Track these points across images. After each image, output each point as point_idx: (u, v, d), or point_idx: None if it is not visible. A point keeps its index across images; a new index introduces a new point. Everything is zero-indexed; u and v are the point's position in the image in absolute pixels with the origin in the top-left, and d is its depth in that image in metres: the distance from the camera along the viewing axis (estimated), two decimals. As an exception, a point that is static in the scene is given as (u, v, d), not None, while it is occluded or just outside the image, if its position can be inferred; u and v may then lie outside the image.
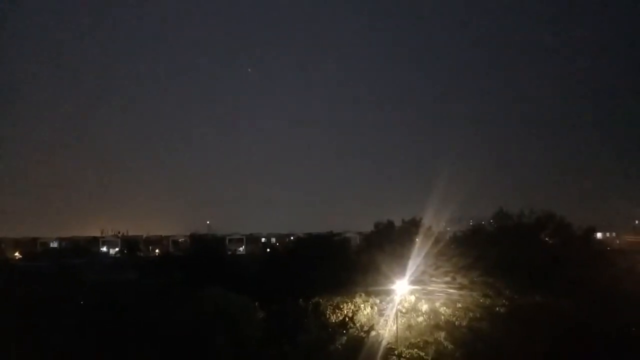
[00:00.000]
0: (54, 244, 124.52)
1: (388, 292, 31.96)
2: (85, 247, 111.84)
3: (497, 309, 30.97)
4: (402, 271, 31.71)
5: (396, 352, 29.12)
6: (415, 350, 29.17)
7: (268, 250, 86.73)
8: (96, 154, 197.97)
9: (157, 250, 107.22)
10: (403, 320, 31.71)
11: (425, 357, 28.80)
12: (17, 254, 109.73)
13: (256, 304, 32.54)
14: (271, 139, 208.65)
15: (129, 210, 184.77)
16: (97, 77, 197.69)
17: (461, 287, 31.63)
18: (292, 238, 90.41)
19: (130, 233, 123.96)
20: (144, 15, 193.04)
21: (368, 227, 51.21)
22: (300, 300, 33.22)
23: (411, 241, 34.46)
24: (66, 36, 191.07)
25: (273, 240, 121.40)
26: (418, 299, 32.83)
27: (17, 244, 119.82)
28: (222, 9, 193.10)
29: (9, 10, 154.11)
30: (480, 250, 34.26)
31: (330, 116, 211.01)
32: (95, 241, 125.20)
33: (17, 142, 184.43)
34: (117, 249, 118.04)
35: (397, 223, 44.19)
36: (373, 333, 31.06)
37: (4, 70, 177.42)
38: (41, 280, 40.57)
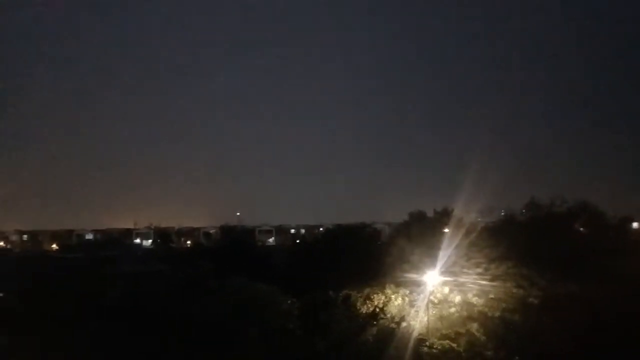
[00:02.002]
0: (89, 236, 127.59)
1: (419, 283, 31.70)
2: (119, 239, 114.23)
3: (530, 299, 30.44)
4: (433, 262, 31.39)
5: (427, 343, 28.87)
6: (447, 341, 28.87)
7: (297, 241, 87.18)
8: (129, 148, 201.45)
9: (188, 242, 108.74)
10: (434, 312, 31.39)
11: (457, 348, 28.51)
12: (54, 245, 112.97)
13: (286, 295, 32.71)
14: (301, 130, 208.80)
15: (161, 202, 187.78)
16: (130, 69, 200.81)
17: (493, 278, 31.15)
18: (321, 229, 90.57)
19: (163, 225, 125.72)
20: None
21: (398, 218, 50.98)
22: (331, 291, 33.25)
23: (442, 232, 34.10)
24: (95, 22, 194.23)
25: (302, 231, 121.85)
26: (450, 290, 32.49)
27: (54, 236, 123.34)
28: None
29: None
30: (512, 241, 33.71)
31: (360, 106, 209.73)
32: (129, 233, 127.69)
33: (53, 137, 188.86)
34: (150, 241, 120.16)
35: (429, 214, 43.87)
36: (404, 324, 30.87)
37: (35, 64, 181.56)
38: (77, 271, 41.68)
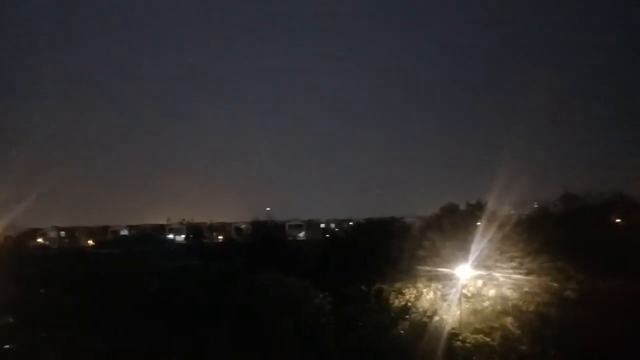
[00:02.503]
0: (124, 232, 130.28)
1: (451, 277, 31.46)
2: (152, 235, 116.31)
3: (567, 293, 29.87)
4: (465, 256, 31.09)
5: (460, 337, 28.65)
6: (481, 335, 28.59)
7: (327, 236, 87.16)
8: (162, 146, 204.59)
9: (220, 237, 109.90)
10: (467, 306, 31.12)
11: (491, 342, 28.21)
12: (90, 241, 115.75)
13: (318, 289, 32.85)
14: (331, 125, 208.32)
15: (193, 198, 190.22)
16: (158, 68, 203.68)
17: (529, 272, 30.66)
18: (351, 223, 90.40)
19: (195, 220, 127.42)
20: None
21: (429, 212, 50.55)
22: (363, 286, 33.25)
23: (475, 225, 33.69)
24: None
25: (332, 225, 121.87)
26: (484, 284, 32.14)
27: (90, 232, 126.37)
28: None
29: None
30: (547, 234, 33.11)
31: (389, 99, 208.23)
32: (162, 229, 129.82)
33: (88, 136, 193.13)
34: (182, 236, 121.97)
35: (460, 207, 43.37)
36: (436, 318, 30.69)
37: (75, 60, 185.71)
38: (112, 267, 42.64)
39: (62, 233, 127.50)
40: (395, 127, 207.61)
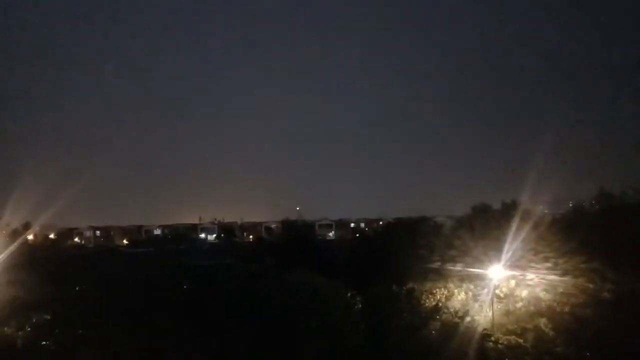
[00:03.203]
0: (157, 231, 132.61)
1: (483, 278, 31.01)
2: (185, 234, 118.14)
3: (603, 294, 29.08)
4: (497, 256, 30.60)
5: (492, 338, 28.24)
6: (513, 336, 28.12)
7: (357, 235, 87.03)
8: (193, 148, 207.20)
9: (251, 236, 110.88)
10: (500, 306, 30.64)
11: (523, 344, 27.71)
12: (124, 241, 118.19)
13: (348, 289, 32.77)
14: (361, 124, 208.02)
15: (224, 198, 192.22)
16: (192, 69, 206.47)
17: (564, 273, 29.96)
18: (381, 223, 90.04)
19: (226, 220, 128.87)
20: None
21: (460, 211, 49.89)
22: (394, 285, 33.05)
23: (507, 225, 33.10)
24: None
25: (362, 225, 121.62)
26: (517, 285, 31.58)
27: (125, 231, 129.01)
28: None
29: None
30: (583, 234, 32.28)
31: (421, 97, 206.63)
32: (194, 228, 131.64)
33: (123, 138, 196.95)
34: (214, 235, 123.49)
35: (492, 206, 42.65)
36: (468, 319, 30.30)
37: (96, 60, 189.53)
38: (146, 265, 43.43)
39: (98, 232, 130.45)
40: (426, 125, 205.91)
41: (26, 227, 36.79)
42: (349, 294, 32.35)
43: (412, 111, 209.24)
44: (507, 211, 37.44)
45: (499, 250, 30.89)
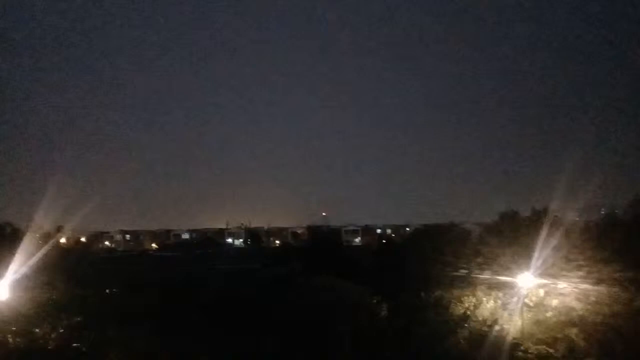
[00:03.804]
0: (185, 236, 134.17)
1: (512, 286, 30.49)
2: (212, 238, 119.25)
3: (638, 303, 28.25)
4: (527, 264, 30.05)
5: (522, 347, 27.77)
6: (544, 346, 27.59)
7: (383, 241, 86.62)
8: (221, 152, 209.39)
9: (277, 241, 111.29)
10: (529, 315, 30.07)
11: (554, 354, 27.15)
12: (153, 244, 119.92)
13: (374, 295, 32.61)
14: (387, 130, 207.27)
15: (251, 203, 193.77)
16: (218, 70, 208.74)
17: (597, 282, 29.20)
18: (407, 229, 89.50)
19: (253, 225, 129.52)
20: None
21: (488, 218, 49.18)
22: (422, 293, 32.77)
23: (537, 232, 32.48)
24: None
25: (389, 231, 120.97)
26: (547, 294, 30.94)
27: (154, 235, 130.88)
28: None
29: None
30: (617, 242, 31.45)
31: (449, 103, 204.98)
32: (222, 232, 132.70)
33: (152, 143, 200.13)
34: (241, 240, 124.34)
35: (521, 213, 41.88)
36: (497, 327, 29.85)
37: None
38: (174, 269, 43.99)
39: (127, 236, 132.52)
40: (454, 131, 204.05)
41: (58, 230, 37.48)
42: (375, 300, 32.19)
43: (440, 117, 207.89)
44: (537, 218, 36.73)
45: (528, 258, 30.35)
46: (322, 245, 51.42)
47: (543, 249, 30.45)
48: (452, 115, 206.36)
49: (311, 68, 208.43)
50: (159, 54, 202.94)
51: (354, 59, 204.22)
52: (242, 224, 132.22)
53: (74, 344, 26.71)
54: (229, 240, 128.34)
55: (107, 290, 33.00)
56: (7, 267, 26.25)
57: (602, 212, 46.02)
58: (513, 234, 34.27)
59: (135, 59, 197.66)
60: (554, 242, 30.51)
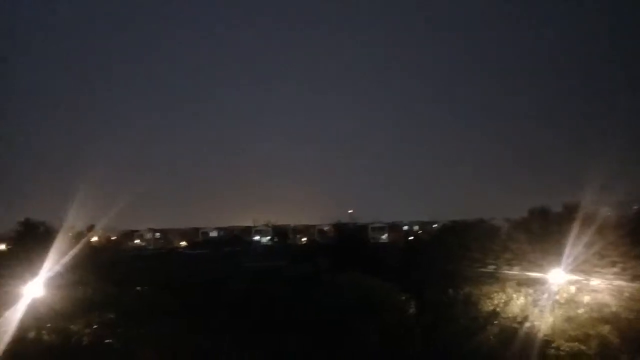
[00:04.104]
0: (213, 233, 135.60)
1: (543, 282, 30.04)
2: (239, 236, 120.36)
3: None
4: (558, 260, 29.59)
5: (554, 344, 27.38)
6: (576, 343, 27.15)
7: (410, 238, 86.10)
8: (249, 150, 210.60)
9: (304, 239, 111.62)
10: (560, 312, 29.59)
11: (587, 351, 26.70)
12: (182, 242, 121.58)
13: (402, 292, 32.49)
14: (413, 125, 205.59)
15: (277, 200, 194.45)
16: (246, 70, 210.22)
17: (632, 278, 28.56)
18: (435, 226, 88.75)
19: (279, 223, 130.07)
20: None
21: (518, 214, 48.52)
22: (450, 289, 32.54)
23: (569, 228, 31.91)
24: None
25: (415, 228, 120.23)
26: (578, 290, 30.41)
27: (183, 233, 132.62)
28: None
29: None
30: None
31: (476, 98, 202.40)
32: (249, 230, 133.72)
33: (181, 143, 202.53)
34: (267, 238, 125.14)
35: (551, 209, 41.19)
36: (527, 324, 29.44)
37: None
38: (203, 267, 44.55)
39: (157, 234, 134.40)
40: (481, 124, 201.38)
41: (90, 229, 38.32)
42: (403, 297, 32.06)
43: (465, 110, 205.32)
44: (569, 213, 36.07)
45: (559, 254, 29.88)
46: (348, 242, 51.37)
47: (575, 245, 29.95)
48: (480, 110, 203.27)
49: (339, 65, 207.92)
50: (193, 49, 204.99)
51: (382, 55, 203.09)
52: (268, 221, 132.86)
53: (107, 340, 27.31)
54: (256, 237, 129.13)
55: (138, 288, 33.58)
56: (41, 265, 26.98)
57: (635, 207, 44.99)
58: (543, 230, 33.77)
59: (165, 55, 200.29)
60: (586, 238, 29.98)
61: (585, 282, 29.98)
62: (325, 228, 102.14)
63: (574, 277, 29.86)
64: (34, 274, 26.53)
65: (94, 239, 41.17)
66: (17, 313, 25.15)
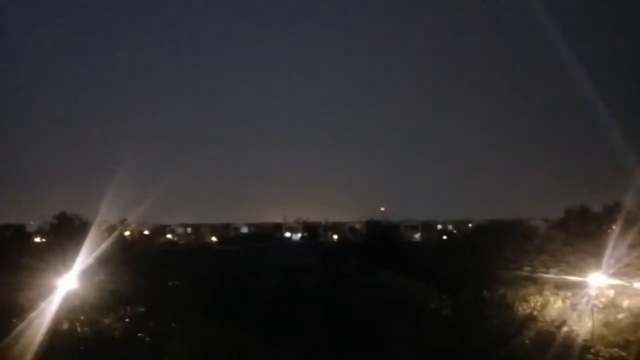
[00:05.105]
0: (244, 229, 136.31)
1: (582, 286, 29.03)
2: (270, 233, 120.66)
3: None
4: (598, 263, 28.54)
5: (593, 350, 26.46)
6: (616, 349, 26.23)
7: (444, 237, 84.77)
8: (279, 149, 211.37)
9: (335, 236, 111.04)
10: (600, 317, 28.57)
11: (627, 357, 25.74)
12: (213, 238, 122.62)
13: (435, 291, 31.91)
14: (447, 124, 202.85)
15: (309, 197, 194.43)
16: (271, 68, 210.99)
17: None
18: (469, 225, 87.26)
19: (310, 220, 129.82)
20: None
21: (556, 214, 47.25)
22: (485, 291, 31.78)
23: (609, 229, 30.81)
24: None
25: (449, 227, 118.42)
26: (618, 294, 29.31)
27: (214, 229, 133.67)
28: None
29: None
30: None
31: (513, 93, 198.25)
32: (279, 227, 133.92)
33: (209, 141, 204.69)
34: (298, 235, 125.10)
35: (593, 209, 39.93)
36: (565, 329, 28.54)
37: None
38: (234, 263, 44.59)
39: (188, 229, 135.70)
40: (517, 122, 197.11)
41: (122, 223, 38.84)
42: (437, 297, 31.48)
43: (503, 109, 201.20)
44: (609, 214, 34.84)
45: (599, 256, 28.85)
46: (380, 240, 50.80)
47: (616, 247, 28.86)
48: (517, 107, 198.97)
49: (371, 62, 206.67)
50: (235, 48, 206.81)
51: (417, 54, 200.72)
52: (299, 218, 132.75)
53: (138, 334, 27.51)
54: (287, 234, 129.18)
55: (170, 283, 33.78)
56: (75, 258, 27.35)
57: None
58: (582, 230, 32.75)
59: (202, 50, 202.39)
60: (628, 240, 28.86)
61: (628, 285, 28.94)
62: (357, 226, 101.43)
63: (616, 281, 28.81)
64: (68, 266, 26.91)
65: (127, 233, 41.75)
66: (52, 304, 25.55)
